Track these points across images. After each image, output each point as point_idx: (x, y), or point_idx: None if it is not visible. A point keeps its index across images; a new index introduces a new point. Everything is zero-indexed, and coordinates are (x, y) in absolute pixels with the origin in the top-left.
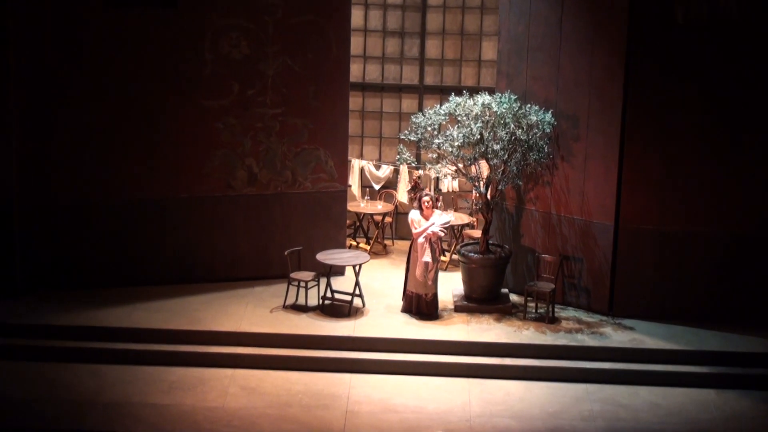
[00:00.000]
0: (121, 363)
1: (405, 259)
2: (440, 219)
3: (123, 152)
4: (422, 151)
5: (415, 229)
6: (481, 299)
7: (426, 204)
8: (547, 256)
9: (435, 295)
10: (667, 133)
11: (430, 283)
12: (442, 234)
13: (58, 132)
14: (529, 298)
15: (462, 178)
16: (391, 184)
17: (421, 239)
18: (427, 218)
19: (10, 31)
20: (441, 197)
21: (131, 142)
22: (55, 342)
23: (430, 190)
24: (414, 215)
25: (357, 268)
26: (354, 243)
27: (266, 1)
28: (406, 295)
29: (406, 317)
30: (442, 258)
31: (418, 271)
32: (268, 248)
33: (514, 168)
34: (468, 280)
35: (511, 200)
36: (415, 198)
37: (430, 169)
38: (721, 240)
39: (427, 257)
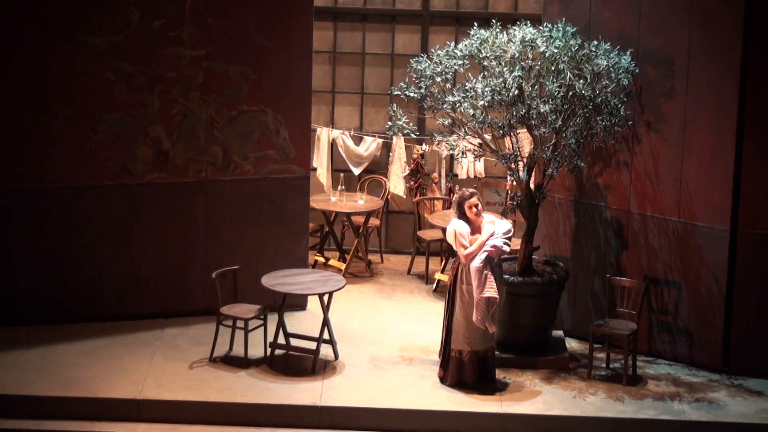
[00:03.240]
0: None
1: (399, 285)
2: (500, 226)
3: None
4: (427, 115)
5: (465, 248)
6: (520, 346)
7: (473, 209)
8: (624, 279)
9: (494, 351)
10: None
11: (493, 330)
12: (507, 249)
13: None
14: (596, 346)
15: (490, 158)
16: (378, 166)
17: (477, 263)
18: (478, 229)
19: None
20: (455, 187)
21: None
22: None
23: (439, 177)
24: (459, 227)
25: (326, 299)
26: (321, 259)
27: None
28: (452, 360)
29: (399, 374)
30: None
31: (477, 315)
32: (184, 268)
33: (572, 141)
34: (500, 317)
35: (566, 192)
36: (454, 201)
37: (439, 142)
38: None
39: (491, 290)
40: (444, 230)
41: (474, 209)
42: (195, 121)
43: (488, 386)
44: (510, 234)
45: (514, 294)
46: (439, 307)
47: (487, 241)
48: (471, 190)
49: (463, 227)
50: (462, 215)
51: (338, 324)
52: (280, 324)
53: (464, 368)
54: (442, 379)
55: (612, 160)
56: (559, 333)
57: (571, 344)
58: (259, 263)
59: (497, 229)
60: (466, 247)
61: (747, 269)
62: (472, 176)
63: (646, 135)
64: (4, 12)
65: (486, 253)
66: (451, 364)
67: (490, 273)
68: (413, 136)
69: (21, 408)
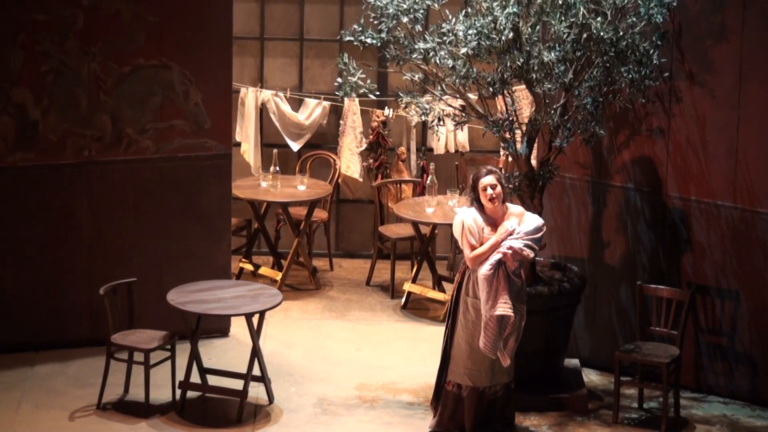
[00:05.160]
0: None
1: (355, 300)
2: (527, 224)
3: None
4: (391, 69)
5: (471, 249)
6: (522, 381)
7: (488, 191)
8: (662, 288)
9: (511, 388)
10: None
11: (508, 360)
12: (531, 255)
13: None
14: (624, 379)
15: (476, 125)
16: (325, 139)
17: (486, 269)
18: (496, 221)
19: None
20: (429, 166)
21: None
22: None
23: (408, 152)
24: (468, 217)
25: (256, 321)
26: (249, 267)
27: None
28: (446, 395)
29: (358, 421)
30: (443, 297)
31: (485, 340)
32: (61, 283)
33: (588, 101)
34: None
35: (580, 170)
36: (470, 187)
37: (407, 106)
38: None
39: (504, 306)
40: (416, 226)
41: (489, 192)
42: (73, 82)
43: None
44: (539, 234)
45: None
46: (409, 329)
47: (502, 240)
48: (489, 166)
49: (473, 219)
50: (476, 202)
51: (273, 355)
52: (194, 356)
53: (460, 409)
54: (437, 425)
55: (642, 127)
56: (574, 362)
57: (591, 377)
58: (163, 274)
59: (521, 227)
60: (473, 247)
61: None
62: (452, 150)
63: (687, 91)
64: None
65: (499, 257)
66: (444, 401)
67: (503, 284)
68: (372, 97)
69: None
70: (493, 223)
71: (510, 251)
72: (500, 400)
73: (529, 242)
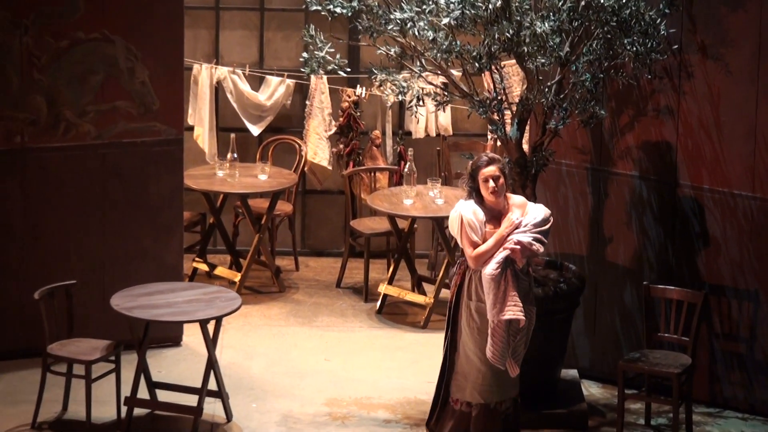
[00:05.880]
0: None
1: (324, 303)
2: (533, 215)
3: None
4: (363, 42)
5: (474, 246)
6: (515, 395)
7: (490, 182)
8: (671, 288)
9: (518, 403)
10: None
11: (517, 370)
12: (541, 249)
13: None
14: (630, 392)
15: (460, 105)
16: (289, 122)
17: (492, 268)
18: (499, 216)
19: None
20: (407, 152)
21: None
22: None
23: (383, 136)
24: (467, 211)
25: (212, 328)
26: (203, 267)
27: None
28: (451, 414)
29: None
30: (423, 300)
31: (493, 348)
32: None
33: (587, 77)
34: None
35: (579, 156)
36: (465, 171)
37: (382, 84)
38: None
39: (514, 308)
40: (392, 219)
41: (491, 185)
42: (2, 58)
43: None
44: (547, 226)
45: None
46: (385, 336)
47: (508, 235)
48: (489, 154)
49: (473, 213)
50: (474, 191)
51: (232, 367)
52: (141, 369)
53: (467, 430)
54: None
55: (648, 106)
56: (572, 373)
57: (591, 390)
58: (106, 276)
59: (526, 218)
60: (475, 244)
61: None
62: (433, 134)
63: (699, 66)
64: None
65: (506, 254)
66: (449, 421)
67: (512, 284)
68: (342, 74)
69: None
70: (495, 216)
71: (518, 246)
72: (511, 417)
73: (538, 235)
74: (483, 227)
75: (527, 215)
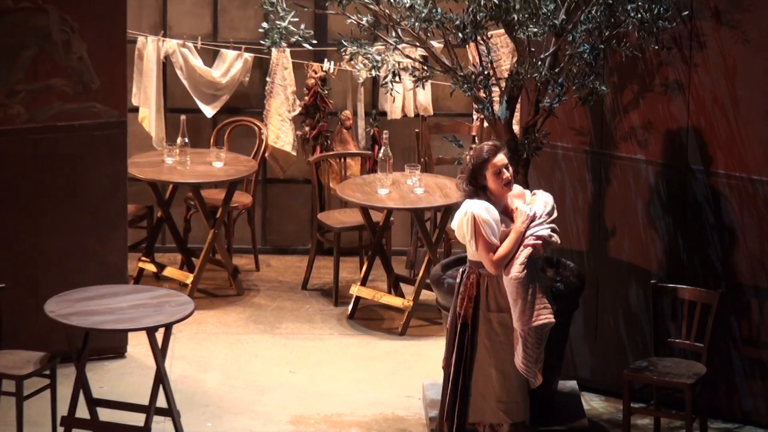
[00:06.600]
0: None
1: (288, 308)
2: (541, 203)
3: None
4: (331, 10)
5: (491, 249)
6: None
7: (504, 173)
8: (683, 288)
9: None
10: None
11: (541, 378)
12: (557, 240)
13: None
14: (636, 405)
15: (442, 82)
16: (248, 101)
17: (517, 270)
18: (505, 209)
19: None
20: (381, 135)
21: None
22: None
23: (354, 117)
24: (480, 210)
25: (160, 337)
26: (150, 267)
27: None
28: None
29: None
30: (401, 303)
31: (523, 357)
32: None
33: (585, 49)
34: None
35: (577, 137)
36: (465, 165)
37: (353, 58)
38: None
39: (545, 311)
40: (366, 212)
41: (505, 173)
42: None
43: None
44: (555, 212)
45: None
46: (358, 345)
47: (527, 229)
48: (492, 142)
49: (486, 211)
50: (480, 190)
51: (183, 381)
52: (80, 384)
53: None
54: None
55: (655, 81)
56: (571, 384)
57: (592, 403)
58: (40, 278)
59: (536, 208)
60: (494, 248)
61: None
62: (411, 115)
63: (713, 34)
64: None
65: (528, 252)
66: None
67: (539, 284)
68: (307, 47)
69: None
70: (502, 211)
71: (540, 242)
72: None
73: (554, 225)
74: (500, 226)
75: (535, 204)
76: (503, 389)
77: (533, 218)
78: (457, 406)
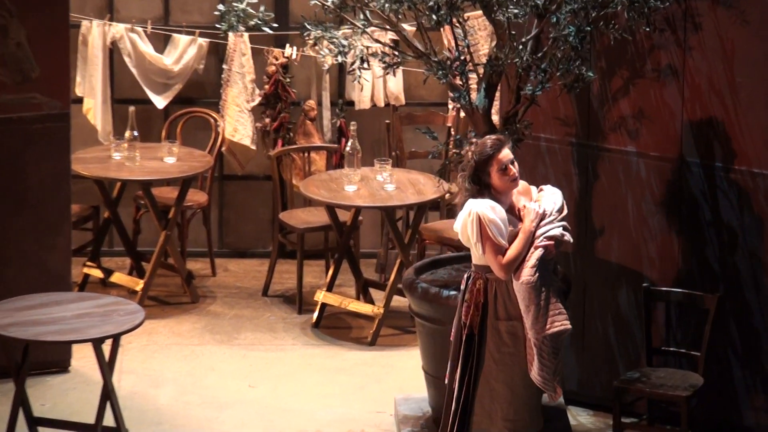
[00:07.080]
0: None
1: (247, 316)
2: (549, 198)
3: None
4: None
5: (500, 252)
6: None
7: (510, 169)
8: (677, 291)
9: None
10: None
11: (560, 392)
12: (570, 239)
13: None
14: (627, 420)
15: (414, 68)
16: (202, 91)
17: (528, 273)
18: (510, 207)
19: None
20: (348, 127)
21: None
22: None
23: (318, 107)
24: (485, 210)
25: (107, 349)
26: (97, 273)
27: None
28: None
29: None
30: (371, 310)
31: (540, 372)
32: None
33: (571, 31)
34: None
35: (561, 128)
36: (466, 162)
37: (317, 42)
38: None
39: (560, 317)
40: (332, 211)
41: (511, 170)
42: None
43: None
44: (566, 209)
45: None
46: (324, 356)
47: (537, 229)
48: (495, 136)
49: (492, 211)
50: (484, 188)
51: (133, 397)
52: (20, 401)
53: None
54: None
55: (646, 66)
56: (558, 400)
57: (579, 418)
58: None
59: (545, 205)
60: (502, 250)
61: None
62: (381, 104)
63: (709, 14)
64: None
65: (540, 254)
66: None
67: (552, 288)
68: (267, 31)
69: None
70: (508, 210)
71: (552, 242)
72: None
73: (565, 223)
74: (507, 225)
75: (542, 200)
76: (510, 407)
77: (543, 216)
78: (457, 422)
